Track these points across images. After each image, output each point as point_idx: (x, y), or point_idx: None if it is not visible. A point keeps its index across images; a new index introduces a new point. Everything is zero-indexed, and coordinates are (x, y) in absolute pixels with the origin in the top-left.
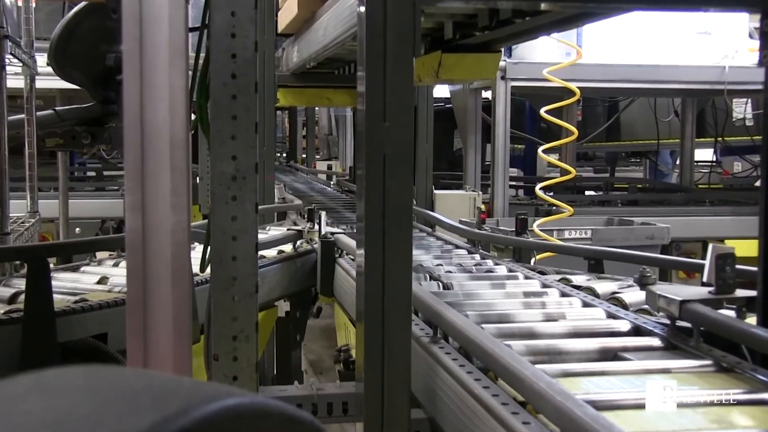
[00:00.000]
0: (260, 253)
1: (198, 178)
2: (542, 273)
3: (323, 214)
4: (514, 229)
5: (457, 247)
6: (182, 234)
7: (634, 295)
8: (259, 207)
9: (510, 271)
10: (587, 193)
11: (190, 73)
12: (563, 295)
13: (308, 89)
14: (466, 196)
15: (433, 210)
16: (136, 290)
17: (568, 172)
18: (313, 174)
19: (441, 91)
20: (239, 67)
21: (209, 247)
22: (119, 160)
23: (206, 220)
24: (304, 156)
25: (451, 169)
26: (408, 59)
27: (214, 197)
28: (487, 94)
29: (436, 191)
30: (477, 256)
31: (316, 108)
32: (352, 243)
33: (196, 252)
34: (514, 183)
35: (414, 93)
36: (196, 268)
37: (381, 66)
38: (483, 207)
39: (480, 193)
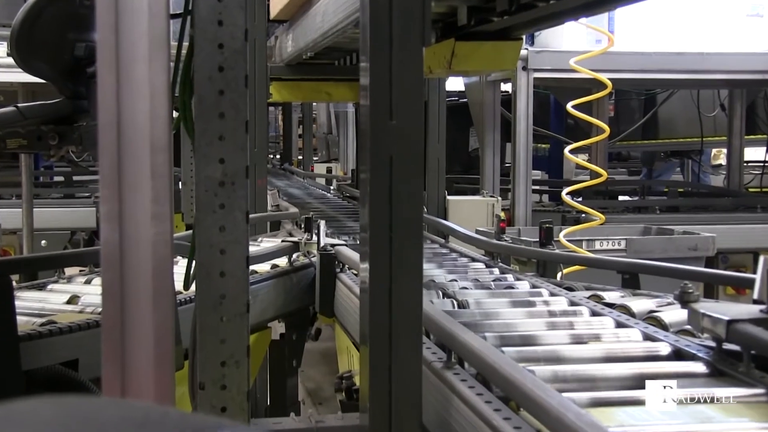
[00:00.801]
0: (252, 267)
1: (181, 184)
2: (570, 289)
3: (322, 223)
4: (537, 239)
5: (474, 260)
6: (164, 247)
7: (675, 314)
8: (251, 216)
9: (533, 287)
10: (621, 198)
11: (172, 65)
12: (594, 314)
13: (305, 82)
14: (484, 202)
15: (446, 218)
16: (112, 310)
17: (598, 175)
18: (311, 178)
19: (454, 84)
20: (227, 58)
21: (194, 262)
22: (91, 164)
23: (190, 231)
24: (300, 158)
25: (467, 172)
26: (417, 48)
27: (200, 205)
28: (506, 87)
29: (449, 197)
30: (496, 271)
31: (314, 104)
32: (355, 256)
33: (180, 267)
34: (537, 187)
35: (424, 86)
36: (179, 286)
37: (387, 56)
38: (502, 215)
39: (499, 199)
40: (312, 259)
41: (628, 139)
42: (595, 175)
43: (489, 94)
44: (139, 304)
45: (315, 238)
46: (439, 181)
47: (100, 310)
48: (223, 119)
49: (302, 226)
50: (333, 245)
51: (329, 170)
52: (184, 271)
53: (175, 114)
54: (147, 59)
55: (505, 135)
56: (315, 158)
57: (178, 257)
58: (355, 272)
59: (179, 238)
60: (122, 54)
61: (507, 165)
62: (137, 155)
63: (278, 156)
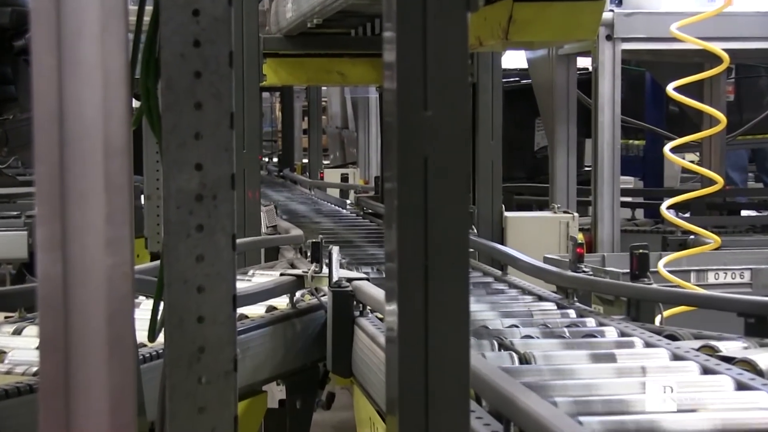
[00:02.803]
0: (240, 311)
1: (143, 198)
2: (672, 338)
3: (335, 250)
4: (628, 270)
5: (541, 298)
6: (123, 284)
7: None
8: (239, 241)
9: (622, 334)
10: (743, 213)
11: (131, 38)
12: (705, 371)
13: (310, 59)
14: (554, 220)
15: (503, 242)
16: (53, 370)
17: (713, 182)
18: (320, 188)
19: (513, 60)
20: (205, 28)
21: (162, 303)
22: (21, 171)
23: (157, 262)
24: (305, 161)
25: (531, 180)
26: (461, 12)
27: (170, 227)
28: (584, 63)
29: (507, 214)
30: (571, 313)
31: (323, 88)
32: (380, 294)
33: (143, 310)
34: (628, 199)
35: (471, 64)
36: (142, 336)
37: (420, 23)
38: (580, 237)
39: (575, 215)
40: (322, 298)
41: (755, 133)
42: (707, 182)
43: (561, 73)
44: (90, 361)
45: (325, 270)
46: (494, 191)
47: (35, 369)
48: (201, 111)
49: (308, 254)
50: (350, 280)
51: (344, 178)
52: (148, 317)
53: (135, 104)
54: (98, 32)
55: (583, 128)
56: (325, 162)
57: (141, 297)
58: (380, 316)
59: (142, 272)
60: (64, 24)
61: (586, 169)
62: (86, 160)
63: (275, 159)
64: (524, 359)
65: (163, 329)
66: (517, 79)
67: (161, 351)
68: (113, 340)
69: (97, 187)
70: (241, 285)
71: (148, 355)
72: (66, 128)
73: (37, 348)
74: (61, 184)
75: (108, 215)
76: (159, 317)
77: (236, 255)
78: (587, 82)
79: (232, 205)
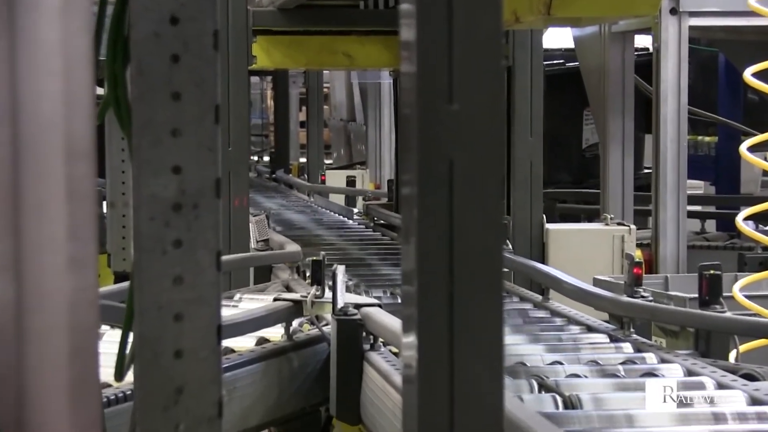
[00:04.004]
0: (226, 343)
1: (106, 206)
2: (750, 378)
3: (340, 270)
4: (696, 295)
5: (590, 329)
6: (88, 312)
7: None
8: (224, 258)
9: (689, 373)
10: None
11: (95, 13)
12: None
13: (310, 37)
14: (607, 233)
15: (544, 260)
16: (3, 415)
17: None
18: (321, 194)
19: (557, 39)
20: (184, 3)
21: (132, 334)
22: None
23: (124, 284)
24: (303, 160)
25: (578, 184)
26: None
27: (142, 242)
28: (643, 42)
29: (549, 225)
30: (627, 347)
31: (325, 72)
32: (395, 324)
33: (107, 342)
34: (697, 208)
35: (505, 44)
36: (107, 374)
37: None
38: (638, 254)
39: (632, 227)
40: (324, 328)
41: None
42: None
43: (614, 54)
44: (48, 404)
45: (328, 294)
46: (533, 199)
47: None
48: (179, 102)
49: (307, 274)
50: (358, 306)
51: (351, 182)
52: (114, 351)
53: (100, 93)
54: (57, 8)
55: (642, 121)
56: (328, 162)
57: (105, 327)
58: (395, 350)
59: (107, 296)
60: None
61: (646, 171)
62: (44, 165)
63: (266, 158)
64: (569, 403)
65: (132, 366)
66: (561, 61)
67: (130, 392)
68: (76, 379)
69: (58, 196)
70: (227, 312)
71: (113, 397)
72: (20, 125)
73: None
74: (14, 193)
75: (71, 229)
76: (128, 351)
77: (222, 275)
78: (647, 66)
79: (217, 215)
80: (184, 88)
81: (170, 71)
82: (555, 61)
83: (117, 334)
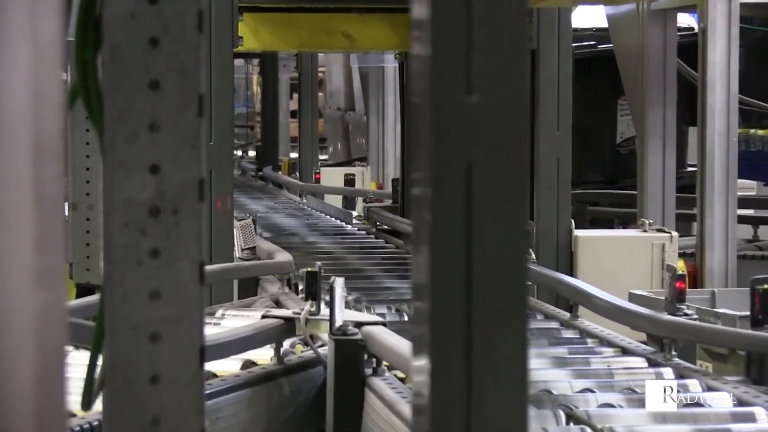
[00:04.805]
0: (209, 366)
1: (68, 208)
2: None
3: (338, 283)
4: (748, 312)
5: (625, 351)
6: (56, 331)
7: None
8: (206, 268)
9: (740, 403)
10: None
11: None
12: None
13: (304, 15)
14: (645, 241)
15: (572, 272)
16: None
17: None
18: (316, 195)
19: (588, 18)
20: None
21: (101, 357)
22: None
23: (91, 299)
24: (294, 156)
25: (612, 184)
26: None
27: (113, 252)
28: (688, 21)
29: (578, 232)
30: (668, 372)
31: (320, 55)
32: (402, 345)
33: (71, 366)
34: (749, 212)
35: (529, 23)
36: (72, 402)
37: None
38: (681, 265)
39: (674, 234)
40: (320, 350)
41: None
42: None
43: (654, 35)
44: None
45: (325, 310)
46: (559, 201)
47: None
48: (158, 92)
49: (300, 287)
50: (359, 324)
51: (350, 180)
52: (81, 376)
53: (66, 80)
54: None
55: (685, 113)
56: (323, 158)
57: (69, 348)
58: (402, 375)
59: (71, 312)
60: None
61: (689, 169)
62: (10, 165)
63: (252, 153)
64: None
65: (102, 393)
66: (592, 43)
67: (98, 423)
68: (43, 408)
69: (24, 201)
70: (208, 331)
71: (78, 428)
72: None
73: None
74: None
75: (38, 238)
76: (96, 376)
77: (203, 289)
78: (691, 48)
79: (200, 221)
80: (164, 76)
81: (148, 57)
82: (585, 43)
83: (84, 356)
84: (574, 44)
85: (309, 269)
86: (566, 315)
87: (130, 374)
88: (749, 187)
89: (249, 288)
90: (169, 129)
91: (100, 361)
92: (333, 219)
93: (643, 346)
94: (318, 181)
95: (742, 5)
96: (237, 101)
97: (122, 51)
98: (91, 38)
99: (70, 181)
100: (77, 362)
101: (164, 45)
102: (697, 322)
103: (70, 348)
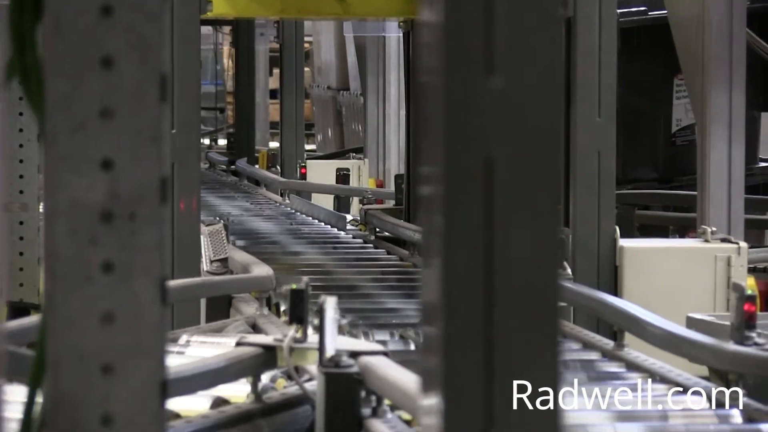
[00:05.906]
0: (171, 405)
1: None
2: None
3: (330, 303)
4: None
5: (683, 388)
6: None
7: None
8: (170, 283)
9: None
10: None
11: None
12: None
13: None
14: (706, 253)
15: (616, 291)
16: None
17: None
18: (301, 194)
19: None
20: None
21: (42, 393)
22: None
23: (31, 320)
24: (274, 145)
25: (666, 183)
26: None
27: (56, 265)
28: None
29: (624, 242)
30: (734, 415)
31: (307, 22)
32: (407, 380)
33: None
34: None
35: None
36: None
37: None
38: (752, 283)
39: (743, 245)
40: (307, 385)
41: None
42: None
43: (719, 6)
44: None
45: (313, 337)
46: (601, 205)
47: None
48: (111, 71)
49: (282, 308)
50: (355, 354)
51: (343, 176)
52: (18, 416)
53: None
54: None
55: (758, 96)
56: (310, 148)
57: (2, 381)
58: (406, 416)
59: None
60: None
61: (762, 165)
62: None
63: (222, 141)
64: None
65: None
66: (642, 9)
67: None
68: None
69: None
70: (172, 362)
71: None
72: None
73: None
74: None
75: None
76: (36, 416)
77: (166, 309)
78: (764, 17)
79: (162, 228)
80: (119, 52)
81: (99, 28)
82: (633, 9)
83: (21, 391)
84: (619, 10)
85: (293, 286)
86: (610, 344)
87: (78, 414)
88: None
89: (220, 309)
90: (124, 116)
91: (39, 398)
92: (322, 224)
93: (704, 383)
94: (304, 177)
95: None
96: (203, 78)
97: (68, 20)
98: (30, 6)
99: None
100: (11, 398)
101: (119, 14)
102: None
103: (3, 381)
